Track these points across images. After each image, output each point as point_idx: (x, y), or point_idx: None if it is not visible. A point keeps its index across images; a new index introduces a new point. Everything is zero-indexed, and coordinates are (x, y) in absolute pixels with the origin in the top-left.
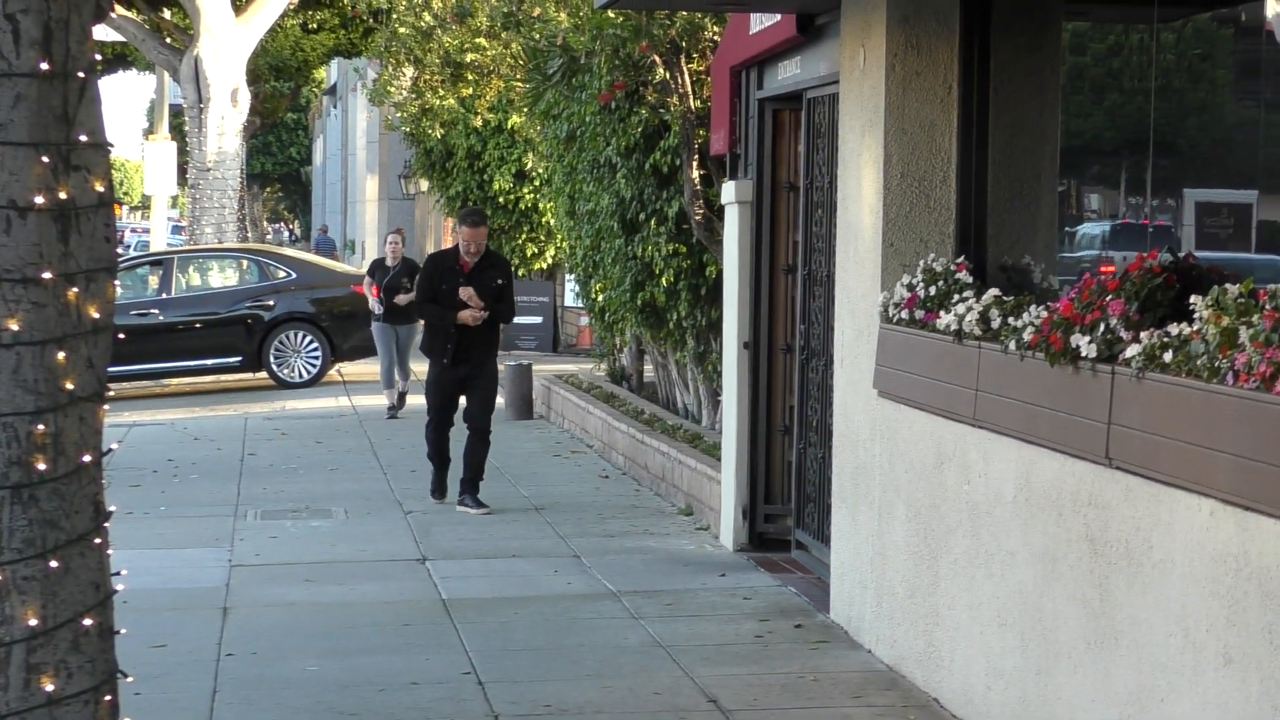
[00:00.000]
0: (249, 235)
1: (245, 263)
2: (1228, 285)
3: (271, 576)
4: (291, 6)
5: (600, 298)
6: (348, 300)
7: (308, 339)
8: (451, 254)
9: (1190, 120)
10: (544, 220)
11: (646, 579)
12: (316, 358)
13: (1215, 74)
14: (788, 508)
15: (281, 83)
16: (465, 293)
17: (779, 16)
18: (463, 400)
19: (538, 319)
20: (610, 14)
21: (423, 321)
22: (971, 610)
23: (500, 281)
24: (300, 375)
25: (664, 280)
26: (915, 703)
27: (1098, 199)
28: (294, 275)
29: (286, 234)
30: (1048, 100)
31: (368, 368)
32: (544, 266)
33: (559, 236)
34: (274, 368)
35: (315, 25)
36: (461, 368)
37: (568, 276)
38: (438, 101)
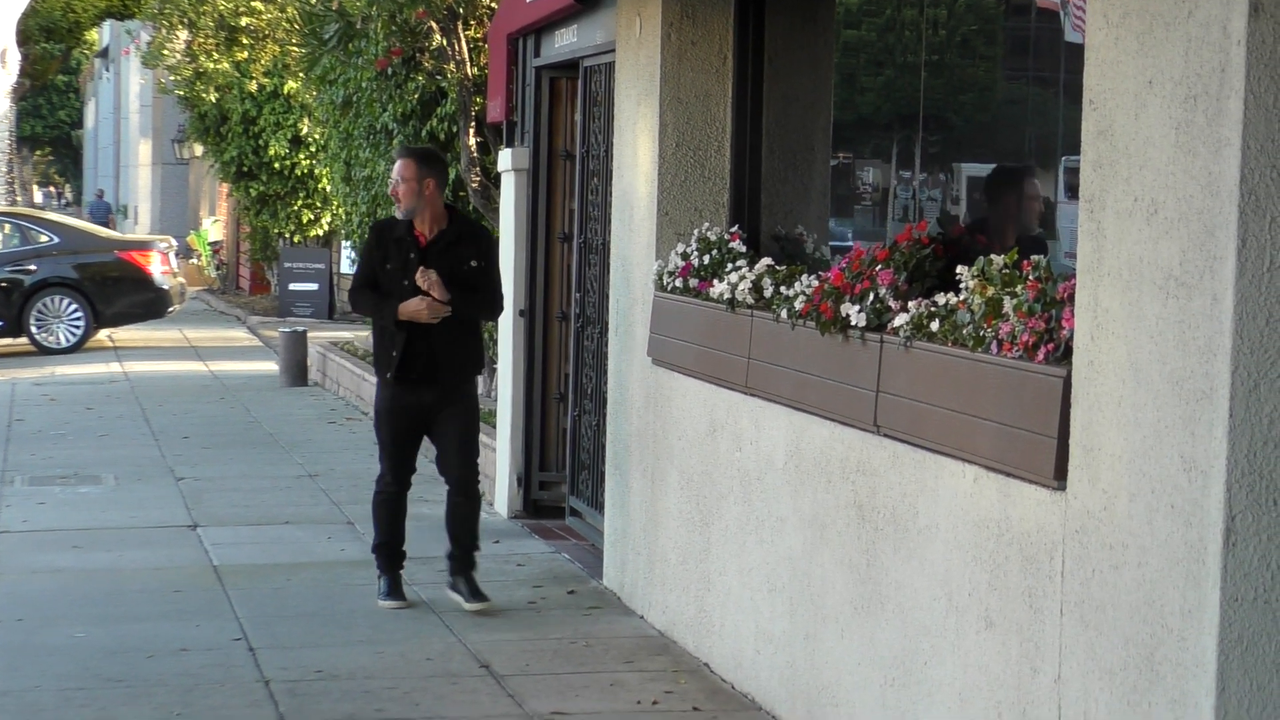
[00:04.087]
0: (19, 199)
1: (7, 226)
2: (993, 256)
3: (39, 543)
4: None
5: None
6: (114, 266)
7: (70, 304)
8: (403, 221)
9: (963, 96)
10: (320, 186)
11: (421, 545)
12: (79, 323)
13: (987, 50)
14: (562, 475)
15: (52, 44)
16: (424, 279)
17: None
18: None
19: (313, 286)
20: None
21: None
22: (742, 576)
23: (475, 263)
24: (62, 341)
25: None
26: (686, 668)
27: (873, 173)
28: (57, 240)
29: (56, 198)
30: (821, 73)
31: (140, 333)
32: (320, 233)
33: (335, 203)
34: (34, 333)
35: None
36: (422, 391)
37: (344, 243)
38: (212, 65)
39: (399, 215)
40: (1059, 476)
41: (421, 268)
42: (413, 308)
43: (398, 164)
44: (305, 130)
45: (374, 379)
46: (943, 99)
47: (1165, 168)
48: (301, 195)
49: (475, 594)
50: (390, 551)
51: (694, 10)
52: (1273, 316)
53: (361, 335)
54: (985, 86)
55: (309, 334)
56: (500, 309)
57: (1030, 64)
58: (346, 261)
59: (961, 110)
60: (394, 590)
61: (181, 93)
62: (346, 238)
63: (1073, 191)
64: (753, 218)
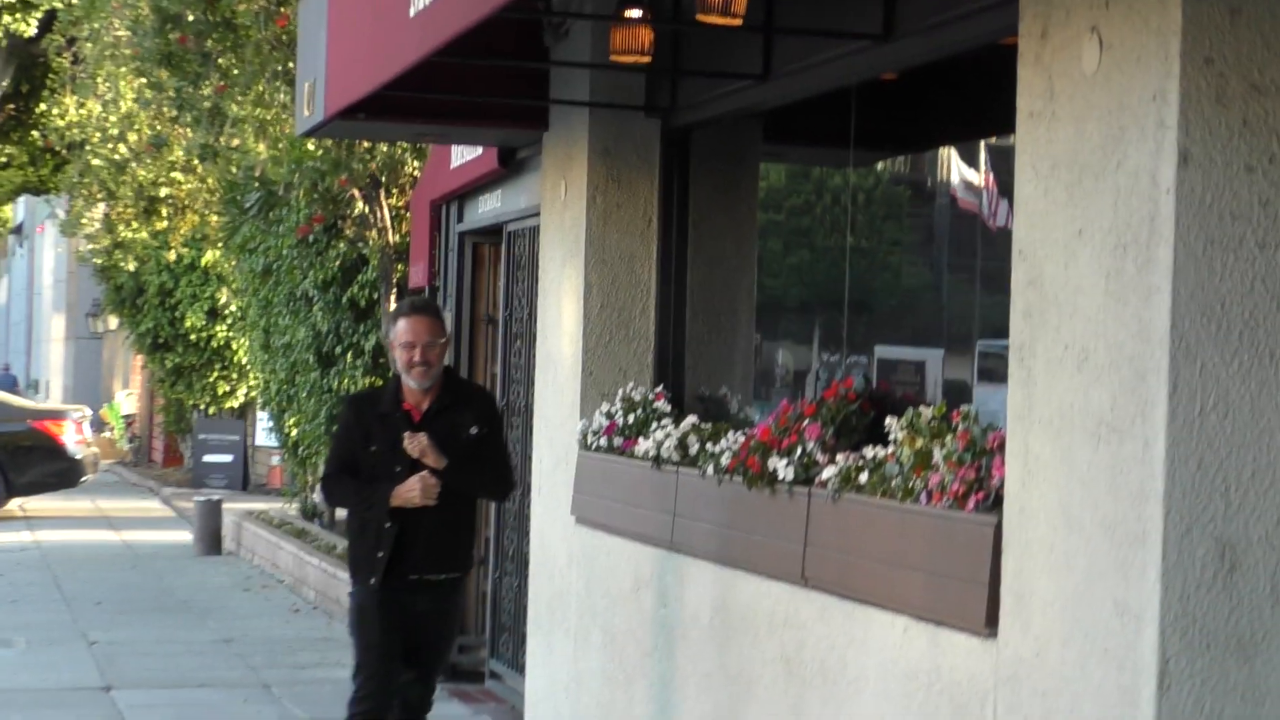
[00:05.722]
0: None
1: None
2: (921, 408)
3: None
4: None
5: (294, 432)
6: (26, 435)
7: None
8: (387, 393)
9: (879, 278)
10: (236, 358)
11: (338, 709)
12: None
13: (901, 236)
14: (482, 639)
15: None
16: (414, 445)
17: (480, 150)
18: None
19: (228, 457)
20: (310, 146)
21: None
22: None
23: (477, 430)
24: None
25: None
26: None
27: (791, 357)
28: None
29: None
30: (745, 236)
31: (53, 503)
32: (235, 405)
33: (252, 375)
34: None
35: (3, 161)
36: (413, 594)
37: (259, 415)
38: (130, 234)
39: (414, 385)
40: (990, 624)
41: (408, 433)
42: (407, 488)
43: (411, 322)
44: (223, 300)
45: (290, 546)
46: (859, 282)
47: (1095, 315)
48: (218, 366)
49: None
50: None
51: (619, 173)
52: (1204, 461)
53: (276, 506)
54: (902, 272)
55: (224, 504)
56: (513, 484)
57: (947, 252)
58: (262, 433)
59: (878, 293)
60: None
61: (100, 261)
62: (264, 406)
63: (985, 375)
64: (677, 378)
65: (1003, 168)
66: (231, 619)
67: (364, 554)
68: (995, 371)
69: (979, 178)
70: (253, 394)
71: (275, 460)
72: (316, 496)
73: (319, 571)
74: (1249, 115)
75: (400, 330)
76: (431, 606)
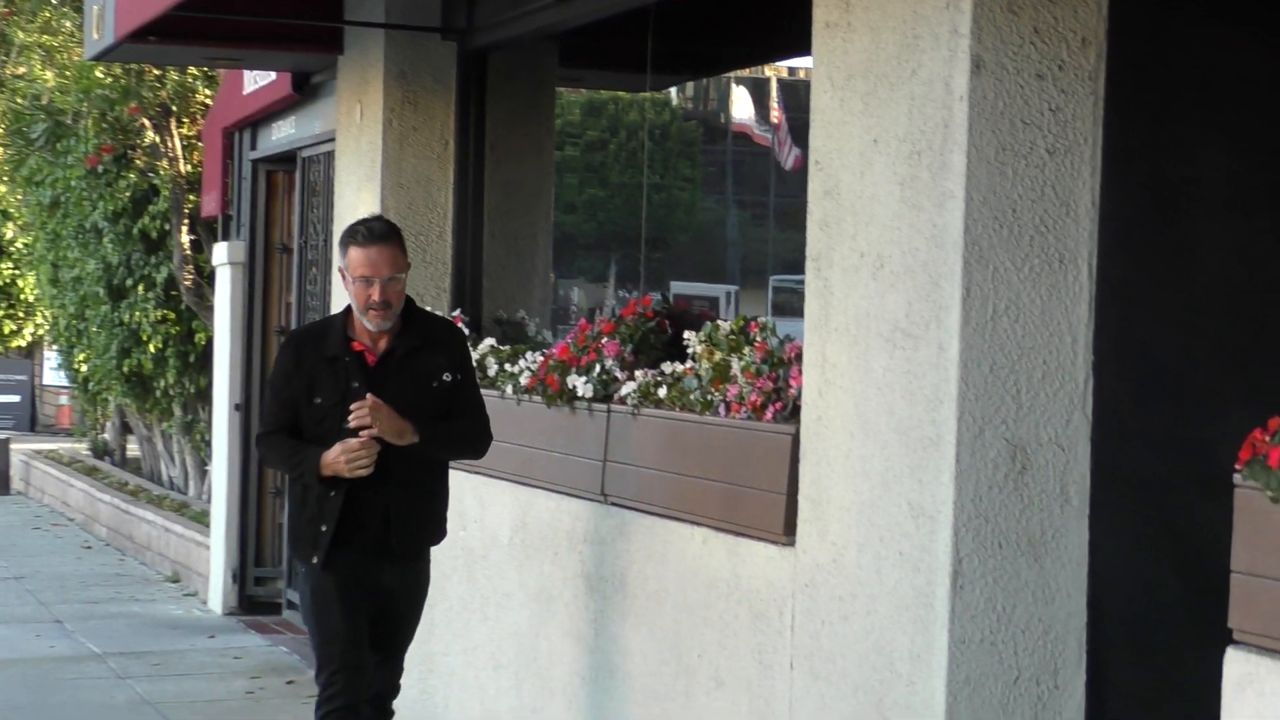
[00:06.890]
0: None
1: None
2: (719, 322)
3: None
4: None
5: (84, 367)
6: None
7: None
8: (334, 329)
9: (674, 215)
10: (22, 296)
11: (133, 641)
12: None
13: (694, 173)
14: (279, 570)
15: None
16: (361, 415)
17: (274, 76)
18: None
19: (15, 397)
20: (99, 73)
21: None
22: (466, 655)
23: (450, 376)
24: None
25: (151, 347)
26: None
27: (587, 295)
28: None
29: None
30: (543, 161)
31: None
32: (22, 344)
33: (39, 312)
34: None
35: None
36: (377, 569)
37: (47, 354)
38: None
39: (371, 327)
40: (788, 532)
41: (356, 404)
42: (333, 456)
43: (368, 253)
44: (9, 236)
45: (81, 484)
46: (659, 220)
47: (891, 223)
48: (3, 305)
49: None
50: None
51: (415, 96)
52: (996, 364)
53: (66, 446)
54: (695, 208)
55: (11, 444)
56: (489, 440)
57: (740, 189)
58: (49, 373)
59: (672, 229)
60: None
61: None
62: (53, 342)
63: (779, 309)
64: (475, 302)
65: (794, 103)
66: (21, 557)
67: (304, 527)
68: (789, 306)
69: (772, 114)
70: (40, 332)
71: (64, 400)
72: (107, 434)
73: (111, 509)
74: (1040, 23)
75: (355, 262)
76: (398, 582)
